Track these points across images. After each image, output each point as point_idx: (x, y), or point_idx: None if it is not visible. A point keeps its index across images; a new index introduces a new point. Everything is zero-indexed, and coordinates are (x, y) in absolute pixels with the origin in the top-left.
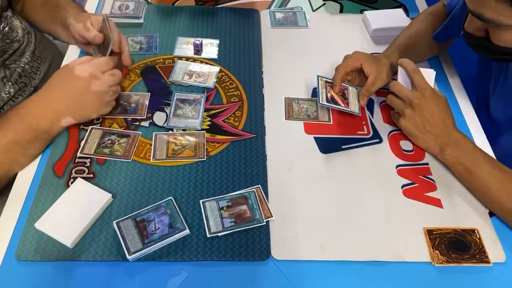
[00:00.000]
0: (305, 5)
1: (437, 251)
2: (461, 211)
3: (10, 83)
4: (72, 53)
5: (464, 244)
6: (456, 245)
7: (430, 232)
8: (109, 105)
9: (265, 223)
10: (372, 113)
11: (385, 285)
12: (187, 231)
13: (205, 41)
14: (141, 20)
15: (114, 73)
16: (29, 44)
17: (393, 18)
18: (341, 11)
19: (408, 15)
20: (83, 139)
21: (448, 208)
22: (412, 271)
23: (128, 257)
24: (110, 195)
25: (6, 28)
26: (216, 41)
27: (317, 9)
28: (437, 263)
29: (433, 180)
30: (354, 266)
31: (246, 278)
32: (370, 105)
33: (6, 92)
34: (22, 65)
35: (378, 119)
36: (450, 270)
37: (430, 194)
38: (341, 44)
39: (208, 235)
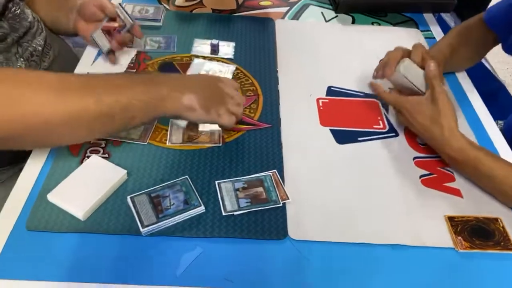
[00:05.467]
0: (318, 16)
1: (460, 237)
2: (482, 201)
3: (22, 59)
4: (88, 56)
5: (487, 231)
6: (479, 232)
7: (451, 219)
8: (225, 117)
9: (281, 205)
10: (387, 110)
11: (407, 269)
12: (202, 208)
13: (222, 42)
14: (160, 23)
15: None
16: (41, 29)
17: None
18: (353, 23)
19: (418, 28)
20: None
21: (468, 198)
22: (434, 256)
23: (141, 230)
24: (125, 171)
25: (18, 11)
26: (233, 43)
27: (329, 20)
28: (460, 249)
29: (451, 172)
30: (373, 249)
31: (263, 256)
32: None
33: (18, 67)
34: (34, 46)
35: (393, 114)
36: (474, 256)
37: (449, 184)
38: (355, 48)
39: (223, 214)
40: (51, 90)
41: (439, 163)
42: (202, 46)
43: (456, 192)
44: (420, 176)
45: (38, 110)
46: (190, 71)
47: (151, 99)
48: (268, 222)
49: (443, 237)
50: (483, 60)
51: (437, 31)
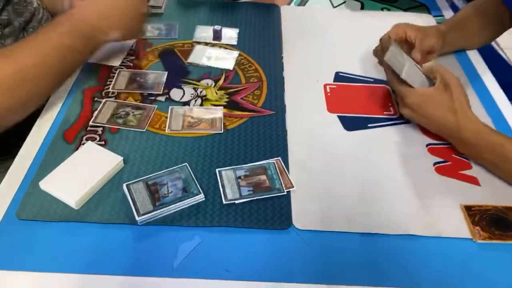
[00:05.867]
0: (325, 3)
1: (478, 227)
2: (500, 190)
3: None
4: None
5: (508, 221)
6: (498, 222)
7: (468, 208)
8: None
9: (285, 193)
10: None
11: (421, 261)
12: (201, 196)
13: (225, 29)
14: (162, 11)
15: None
16: (46, 16)
17: None
18: (361, 9)
19: (430, 13)
20: (96, 109)
21: (486, 186)
22: (451, 246)
23: (137, 218)
24: (121, 158)
25: None
26: (236, 30)
27: (337, 6)
28: (478, 239)
29: (467, 159)
30: (385, 239)
31: (265, 246)
32: None
33: None
34: None
35: None
36: (493, 247)
37: (465, 172)
38: (364, 34)
39: (224, 202)
40: None
41: (454, 150)
42: (204, 33)
43: (473, 180)
44: (434, 164)
45: None
46: (191, 56)
47: (80, 47)
48: (272, 211)
49: (459, 227)
50: (500, 52)
51: (450, 16)
